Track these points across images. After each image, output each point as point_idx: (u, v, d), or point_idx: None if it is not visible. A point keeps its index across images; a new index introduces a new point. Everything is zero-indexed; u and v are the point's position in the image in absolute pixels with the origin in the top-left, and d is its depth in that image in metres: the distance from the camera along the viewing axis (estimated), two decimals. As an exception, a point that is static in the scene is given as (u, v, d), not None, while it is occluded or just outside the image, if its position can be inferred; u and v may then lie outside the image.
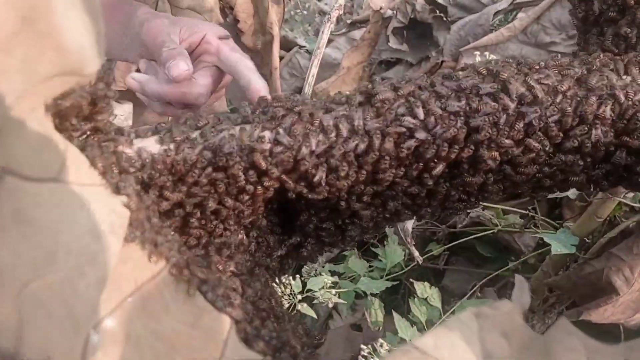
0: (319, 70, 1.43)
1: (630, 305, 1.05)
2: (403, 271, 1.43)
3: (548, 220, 1.30)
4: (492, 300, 1.25)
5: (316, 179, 0.49)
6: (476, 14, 1.67)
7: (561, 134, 0.51)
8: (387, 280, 1.39)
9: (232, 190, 0.48)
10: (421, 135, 0.50)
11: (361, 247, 1.57)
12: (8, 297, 0.26)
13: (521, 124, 0.50)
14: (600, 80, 0.52)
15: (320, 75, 1.52)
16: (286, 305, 1.24)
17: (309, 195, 0.51)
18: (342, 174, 0.50)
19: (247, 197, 0.48)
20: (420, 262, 1.32)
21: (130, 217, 0.35)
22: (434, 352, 0.31)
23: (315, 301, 1.30)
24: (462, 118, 0.50)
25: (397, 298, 1.60)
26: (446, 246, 1.50)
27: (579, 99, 0.51)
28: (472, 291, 1.32)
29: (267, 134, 0.48)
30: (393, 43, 1.72)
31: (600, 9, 0.60)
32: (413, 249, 1.29)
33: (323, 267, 1.45)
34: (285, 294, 1.24)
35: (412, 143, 0.50)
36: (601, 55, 0.56)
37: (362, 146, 0.50)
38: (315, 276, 1.36)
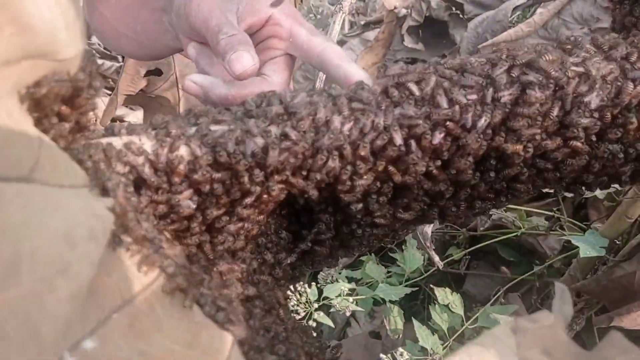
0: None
1: (666, 310, 1.00)
2: (422, 277, 1.39)
3: (575, 221, 1.25)
4: (517, 306, 1.20)
5: (328, 169, 0.44)
6: (493, 10, 1.63)
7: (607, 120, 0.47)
8: (406, 286, 1.34)
9: (234, 193, 0.44)
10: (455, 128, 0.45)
11: (378, 252, 1.53)
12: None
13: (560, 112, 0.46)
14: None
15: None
16: (302, 314, 1.20)
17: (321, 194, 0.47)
18: (361, 170, 0.46)
19: (251, 201, 0.44)
20: (440, 267, 1.27)
21: (117, 222, 0.31)
22: (467, 375, 0.26)
23: (332, 309, 1.27)
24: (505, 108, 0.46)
25: (416, 304, 1.56)
26: (467, 250, 1.45)
27: (619, 83, 0.46)
28: (495, 297, 1.27)
29: (273, 129, 0.44)
30: (408, 42, 1.68)
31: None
32: (433, 253, 1.25)
33: (339, 273, 1.42)
34: (300, 302, 1.20)
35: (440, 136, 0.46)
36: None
37: (379, 142, 0.45)
38: (332, 283, 1.33)
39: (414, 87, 0.47)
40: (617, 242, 1.11)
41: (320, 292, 1.25)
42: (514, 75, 0.47)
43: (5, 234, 0.23)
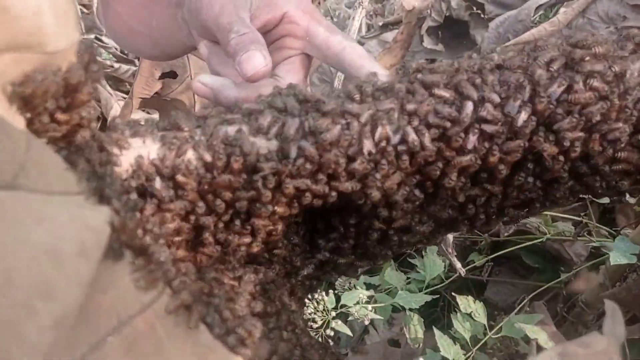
0: (349, 75, 1.36)
1: (701, 321, 0.96)
2: (443, 284, 1.35)
3: (604, 227, 1.20)
4: (542, 315, 1.16)
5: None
6: (515, 9, 1.59)
7: None
8: (426, 293, 1.31)
9: (250, 199, 0.40)
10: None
11: (397, 258, 1.49)
12: None
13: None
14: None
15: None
16: (319, 323, 1.17)
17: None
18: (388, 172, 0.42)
19: (264, 208, 0.40)
20: (462, 274, 1.23)
21: (114, 234, 0.28)
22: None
23: (350, 317, 1.23)
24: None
25: (435, 311, 1.52)
26: (489, 256, 1.40)
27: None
28: (520, 305, 1.22)
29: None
30: (427, 43, 1.65)
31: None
32: (455, 259, 1.21)
33: (357, 279, 1.38)
34: (318, 311, 1.17)
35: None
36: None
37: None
38: (350, 289, 1.29)
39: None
40: (649, 249, 1.06)
41: (337, 299, 1.22)
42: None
43: (-24, 250, 0.20)
